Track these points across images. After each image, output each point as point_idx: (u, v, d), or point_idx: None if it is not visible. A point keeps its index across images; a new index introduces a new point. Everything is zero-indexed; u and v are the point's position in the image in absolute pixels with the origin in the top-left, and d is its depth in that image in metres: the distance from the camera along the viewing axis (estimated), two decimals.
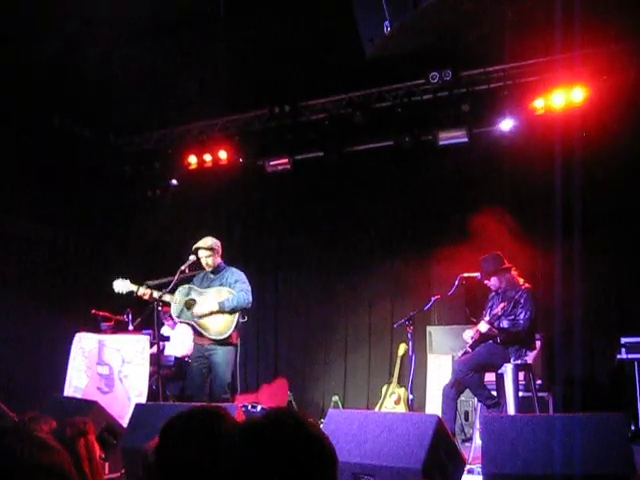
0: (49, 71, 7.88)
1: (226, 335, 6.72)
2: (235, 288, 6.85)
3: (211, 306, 6.76)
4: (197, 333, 6.88)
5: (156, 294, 6.77)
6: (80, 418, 3.43)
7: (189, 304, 6.86)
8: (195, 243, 6.98)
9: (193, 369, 6.92)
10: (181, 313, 6.87)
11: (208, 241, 6.93)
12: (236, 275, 6.96)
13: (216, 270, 6.98)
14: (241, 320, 6.85)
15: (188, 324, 6.95)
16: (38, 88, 8.24)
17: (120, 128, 10.12)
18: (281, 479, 1.64)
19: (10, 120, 8.45)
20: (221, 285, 6.91)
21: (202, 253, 6.90)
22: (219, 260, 7.00)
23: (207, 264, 6.91)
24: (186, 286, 6.95)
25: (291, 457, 1.66)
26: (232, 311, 6.76)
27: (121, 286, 6.87)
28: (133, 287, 6.81)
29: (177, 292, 6.86)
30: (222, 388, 6.69)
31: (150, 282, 6.83)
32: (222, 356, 6.73)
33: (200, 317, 6.77)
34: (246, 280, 6.95)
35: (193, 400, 6.66)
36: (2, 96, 7.96)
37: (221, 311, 6.73)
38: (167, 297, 6.81)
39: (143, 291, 6.78)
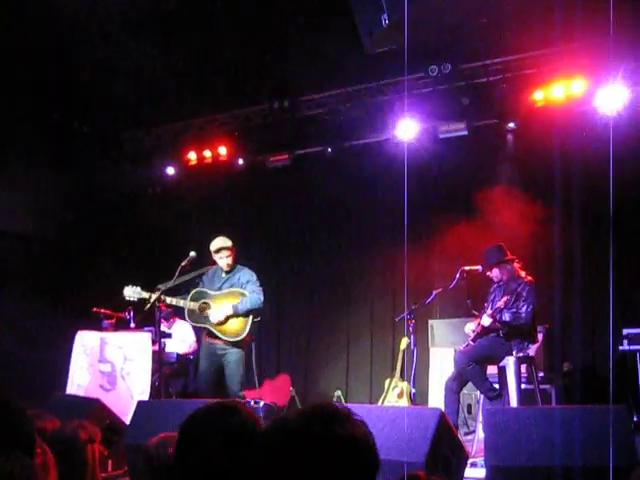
0: (48, 67, 7.85)
1: (242, 336, 6.83)
2: (247, 289, 6.93)
3: (226, 311, 6.82)
4: (211, 334, 6.94)
5: (169, 300, 6.85)
6: (90, 424, 3.43)
7: (202, 307, 6.94)
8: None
9: (203, 368, 7.01)
10: (196, 317, 6.96)
11: (228, 241, 6.99)
12: (247, 275, 7.03)
13: (229, 269, 7.04)
14: (255, 320, 6.92)
15: (204, 328, 7.03)
16: (37, 84, 8.20)
17: (119, 124, 10.10)
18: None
19: (10, 116, 8.43)
20: (232, 286, 6.98)
21: (224, 253, 6.96)
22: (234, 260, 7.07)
23: (228, 264, 6.97)
24: (198, 289, 7.01)
25: (317, 463, 1.56)
26: (246, 313, 6.85)
27: (131, 293, 6.95)
28: (145, 294, 6.88)
29: (190, 297, 6.93)
30: (237, 386, 6.82)
31: (161, 286, 6.80)
32: (236, 355, 6.85)
33: (219, 324, 6.84)
34: (257, 280, 7.03)
35: (199, 396, 6.79)
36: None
37: (235, 315, 6.81)
38: (181, 302, 6.91)
39: (155, 297, 6.79)
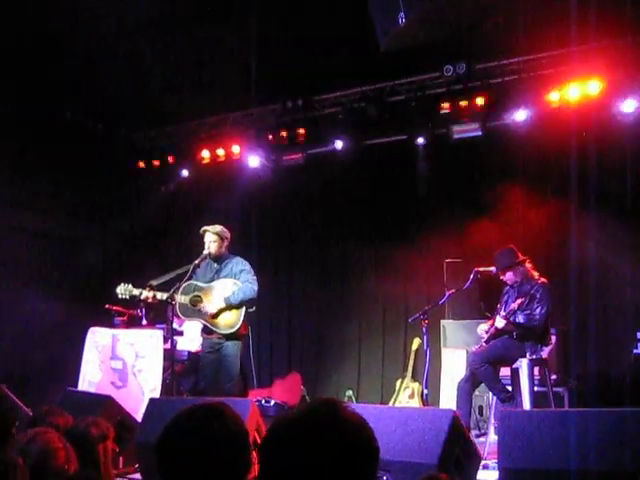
0: (62, 65, 7.87)
1: (236, 328, 6.66)
2: (240, 279, 6.76)
3: (218, 303, 6.69)
4: (206, 329, 6.82)
5: (159, 295, 6.70)
6: (104, 421, 3.42)
7: (194, 301, 6.76)
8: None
9: (205, 363, 6.88)
10: (188, 311, 6.78)
11: (217, 227, 6.86)
12: (240, 265, 6.85)
13: (220, 260, 6.89)
14: (249, 310, 6.75)
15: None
16: (50, 81, 8.22)
17: (133, 122, 10.11)
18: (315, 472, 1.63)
19: (23, 115, 8.45)
20: (225, 277, 6.82)
21: (208, 237, 6.81)
22: (224, 249, 6.90)
23: (209, 249, 6.78)
24: (189, 283, 6.79)
25: (324, 451, 1.64)
26: (240, 304, 6.68)
27: (123, 291, 6.84)
28: (136, 291, 6.78)
29: (181, 290, 6.69)
30: (231, 381, 6.67)
31: (153, 282, 6.72)
32: (232, 349, 6.70)
33: (212, 317, 6.70)
34: (251, 270, 6.85)
35: (206, 394, 6.62)
36: (14, 90, 7.96)
37: (228, 307, 6.68)
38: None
39: (146, 294, 6.73)
